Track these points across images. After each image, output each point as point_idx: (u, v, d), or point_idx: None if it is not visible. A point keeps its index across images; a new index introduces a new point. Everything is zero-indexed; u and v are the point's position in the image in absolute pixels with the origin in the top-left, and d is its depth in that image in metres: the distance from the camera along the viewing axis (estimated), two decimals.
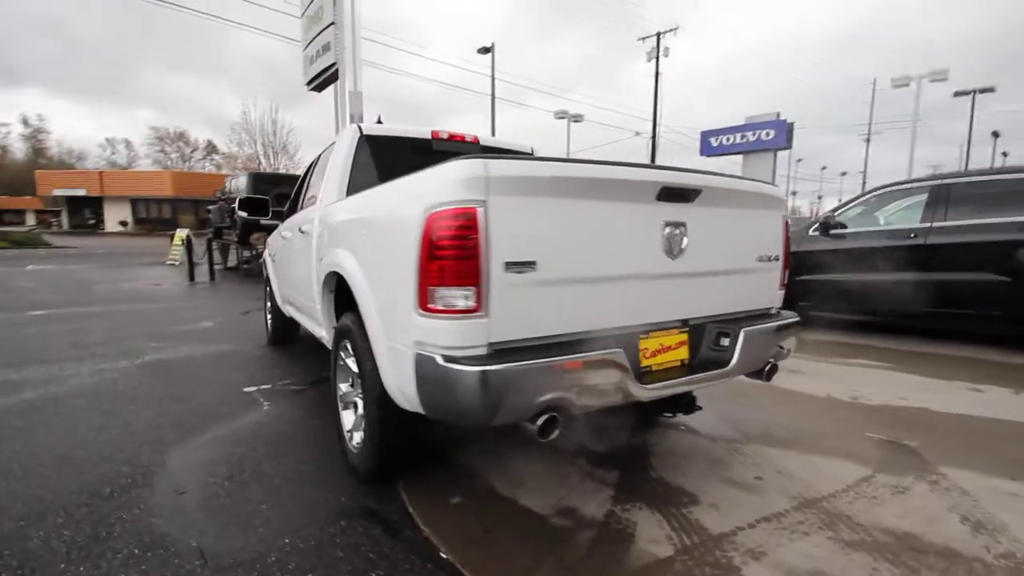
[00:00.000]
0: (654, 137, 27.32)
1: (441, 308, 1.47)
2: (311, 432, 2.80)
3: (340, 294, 2.55)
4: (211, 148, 42.59)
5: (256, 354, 4.58)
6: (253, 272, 11.98)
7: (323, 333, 2.93)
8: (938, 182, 4.63)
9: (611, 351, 1.59)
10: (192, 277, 10.24)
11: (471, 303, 1.45)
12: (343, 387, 2.47)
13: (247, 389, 3.53)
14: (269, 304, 5.11)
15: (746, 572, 1.61)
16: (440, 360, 1.47)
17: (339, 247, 2.23)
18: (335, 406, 2.50)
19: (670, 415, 2.13)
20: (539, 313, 1.56)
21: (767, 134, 25.72)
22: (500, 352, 1.50)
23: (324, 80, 14.89)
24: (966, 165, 26.00)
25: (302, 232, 3.11)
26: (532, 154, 3.65)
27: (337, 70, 13.38)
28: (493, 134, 21.40)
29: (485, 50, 21.91)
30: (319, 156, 3.67)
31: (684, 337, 1.95)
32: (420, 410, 1.68)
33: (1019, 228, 4.04)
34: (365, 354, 2.02)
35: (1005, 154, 30.98)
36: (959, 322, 4.41)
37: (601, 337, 1.68)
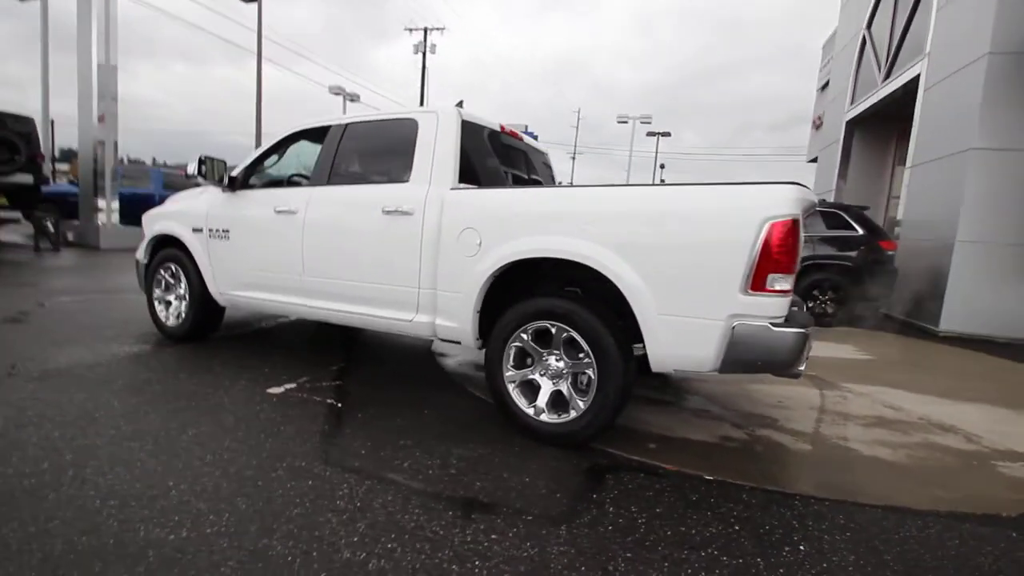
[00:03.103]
0: None
1: (770, 289, 2.04)
2: (447, 418, 2.75)
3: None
4: None
5: (185, 352, 3.69)
6: None
7: (430, 320, 2.83)
8: None
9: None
10: None
11: (788, 286, 2.07)
12: (512, 370, 2.60)
13: (273, 390, 3.01)
14: (162, 293, 4.05)
15: (851, 445, 2.67)
16: (771, 327, 2.04)
17: (562, 235, 2.39)
18: (501, 389, 2.60)
19: None
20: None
21: None
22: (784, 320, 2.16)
23: None
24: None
25: (388, 213, 2.88)
26: (546, 155, 4.08)
27: None
28: (259, 96, 18.65)
29: None
30: (330, 127, 3.35)
31: None
32: (705, 368, 2.18)
33: None
34: (603, 334, 2.33)
35: (663, 180, 43.76)
36: None
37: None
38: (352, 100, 24.52)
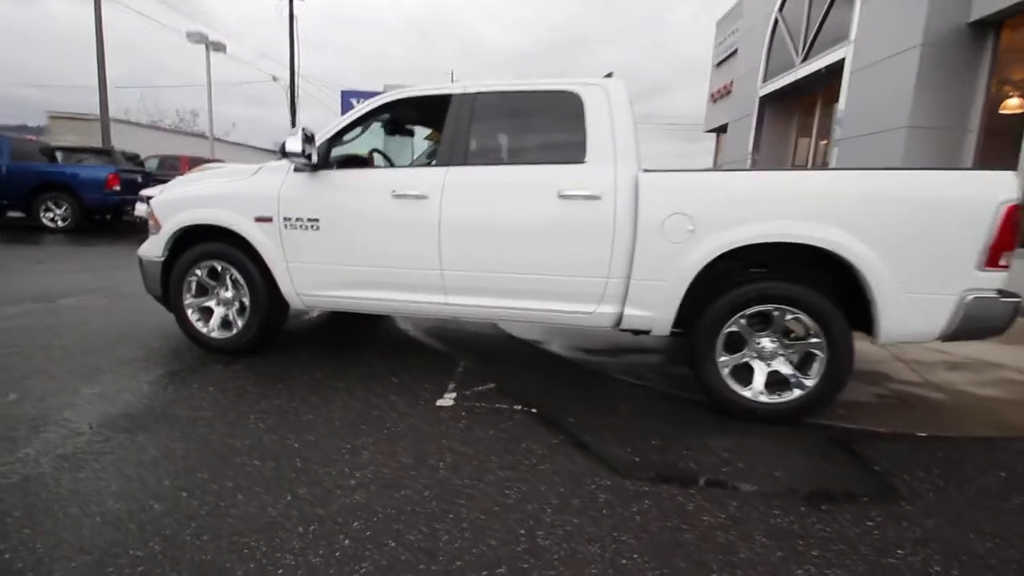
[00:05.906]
0: (293, 88, 25.51)
1: (999, 265, 2.31)
2: (650, 412, 2.71)
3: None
4: None
5: (257, 367, 3.11)
6: None
7: (616, 311, 2.70)
8: None
9: None
10: None
11: (1009, 262, 2.35)
12: (724, 356, 2.60)
13: (442, 403, 2.67)
14: (195, 299, 3.29)
15: (961, 388, 3.16)
16: (1001, 297, 2.32)
17: (798, 219, 2.41)
18: (712, 377, 2.60)
19: None
20: None
21: None
22: None
23: None
24: None
25: (566, 197, 2.64)
26: None
27: None
28: (100, 37, 15.41)
29: None
30: (450, 96, 2.95)
31: None
32: (930, 339, 2.42)
33: None
34: (836, 314, 2.44)
35: None
36: None
37: None
38: (217, 50, 21.00)
